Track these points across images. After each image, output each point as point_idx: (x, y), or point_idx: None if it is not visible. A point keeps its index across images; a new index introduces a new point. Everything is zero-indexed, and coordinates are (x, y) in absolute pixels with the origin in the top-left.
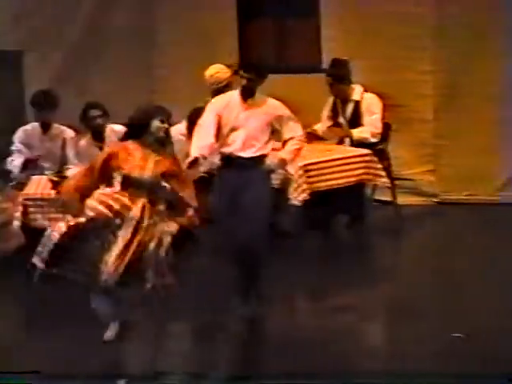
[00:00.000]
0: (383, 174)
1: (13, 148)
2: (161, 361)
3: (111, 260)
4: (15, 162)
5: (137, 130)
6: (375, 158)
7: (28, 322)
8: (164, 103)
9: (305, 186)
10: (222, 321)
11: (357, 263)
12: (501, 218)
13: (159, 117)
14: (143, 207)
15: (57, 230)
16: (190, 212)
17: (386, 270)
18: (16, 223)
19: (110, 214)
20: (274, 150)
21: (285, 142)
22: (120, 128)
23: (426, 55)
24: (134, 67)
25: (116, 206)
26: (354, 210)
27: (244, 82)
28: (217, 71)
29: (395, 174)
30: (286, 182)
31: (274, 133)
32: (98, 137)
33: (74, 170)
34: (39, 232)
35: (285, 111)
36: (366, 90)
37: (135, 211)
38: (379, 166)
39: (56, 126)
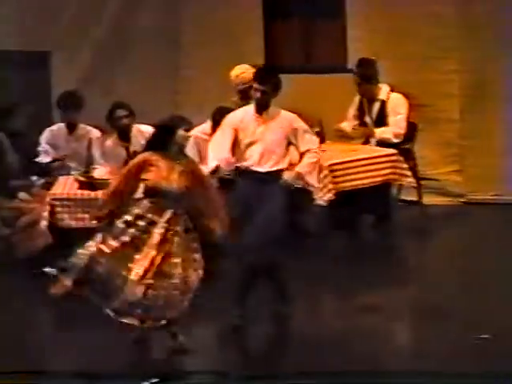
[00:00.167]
0: (409, 173)
1: (39, 149)
2: (189, 360)
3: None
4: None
5: (161, 141)
6: (401, 158)
7: (56, 321)
8: (189, 104)
9: (330, 186)
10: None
11: (382, 263)
12: None
13: (184, 126)
14: (170, 218)
15: (87, 250)
16: (221, 214)
17: (411, 270)
18: (43, 223)
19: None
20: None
21: (301, 155)
22: (146, 128)
23: (452, 55)
24: (159, 68)
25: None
26: (379, 209)
27: (258, 94)
28: (242, 71)
29: (421, 173)
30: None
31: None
32: (125, 137)
33: (100, 170)
34: (66, 232)
35: (300, 124)
36: (392, 90)
37: (162, 224)
38: (405, 165)
39: (82, 126)
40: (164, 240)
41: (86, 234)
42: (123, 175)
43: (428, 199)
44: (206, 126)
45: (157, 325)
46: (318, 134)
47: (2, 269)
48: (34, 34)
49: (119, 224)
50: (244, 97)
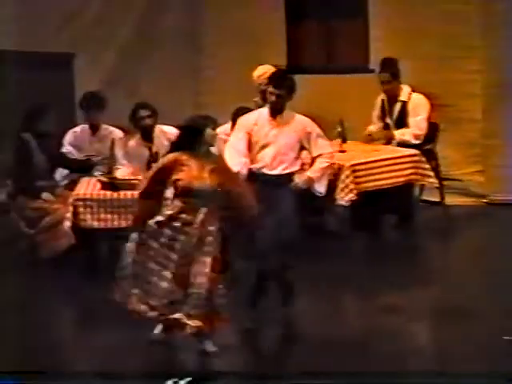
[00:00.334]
0: (431, 174)
1: (63, 150)
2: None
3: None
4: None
5: (189, 141)
6: (423, 159)
7: (78, 321)
8: (211, 104)
9: (352, 186)
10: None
11: (405, 264)
12: None
13: (211, 125)
14: (204, 218)
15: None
16: (252, 202)
17: (434, 270)
18: (67, 223)
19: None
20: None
21: (313, 160)
22: (169, 129)
23: (474, 54)
24: (181, 69)
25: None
26: (402, 210)
27: (273, 98)
28: (265, 71)
29: (443, 174)
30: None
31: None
32: (147, 137)
33: (122, 171)
34: (88, 233)
35: (314, 128)
36: (413, 91)
37: (197, 223)
38: (427, 166)
39: (105, 126)
40: (199, 240)
41: (109, 234)
42: (153, 176)
43: (450, 200)
44: (228, 126)
45: (187, 323)
46: (339, 134)
47: (25, 268)
48: (57, 35)
49: (152, 224)
50: (265, 97)
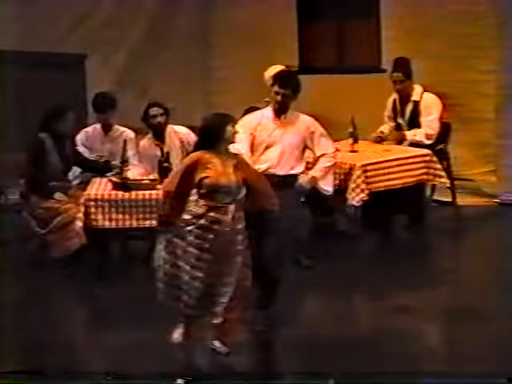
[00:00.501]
0: (443, 174)
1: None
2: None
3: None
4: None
5: (210, 139)
6: (435, 158)
7: (88, 320)
8: (222, 105)
9: (363, 186)
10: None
11: (416, 264)
12: None
13: (231, 122)
14: (233, 216)
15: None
16: (272, 195)
17: (445, 271)
18: (78, 223)
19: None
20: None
21: (316, 159)
22: (181, 129)
23: (486, 54)
24: (192, 69)
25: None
26: (413, 210)
27: (279, 97)
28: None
29: (455, 174)
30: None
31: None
32: (159, 136)
33: (134, 171)
34: (100, 233)
35: (317, 127)
36: (425, 90)
37: (227, 221)
38: (439, 166)
39: (117, 127)
40: (229, 239)
41: (120, 234)
42: (178, 176)
43: (462, 200)
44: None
45: (216, 321)
46: (351, 134)
47: (36, 268)
48: (68, 36)
49: (181, 224)
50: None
